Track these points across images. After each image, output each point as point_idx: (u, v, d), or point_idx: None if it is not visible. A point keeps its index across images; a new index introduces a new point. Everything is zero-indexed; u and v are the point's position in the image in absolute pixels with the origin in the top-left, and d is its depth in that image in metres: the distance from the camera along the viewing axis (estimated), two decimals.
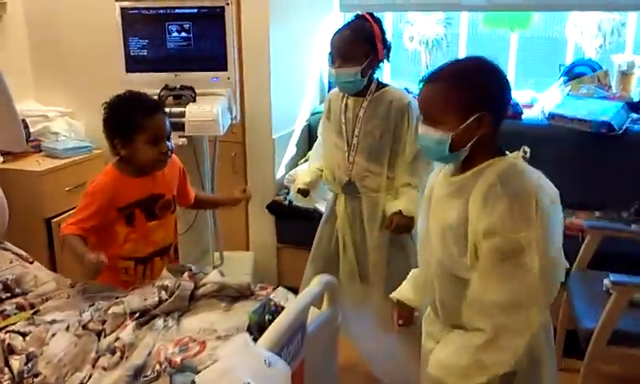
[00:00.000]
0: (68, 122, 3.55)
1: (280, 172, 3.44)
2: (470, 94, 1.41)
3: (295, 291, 2.62)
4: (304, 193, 2.51)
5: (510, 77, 3.68)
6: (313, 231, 2.61)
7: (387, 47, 2.26)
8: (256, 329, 1.55)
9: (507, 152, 1.49)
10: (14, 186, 3.09)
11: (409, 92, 3.46)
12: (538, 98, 3.51)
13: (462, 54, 3.75)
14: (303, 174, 2.61)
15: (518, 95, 3.53)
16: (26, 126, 3.30)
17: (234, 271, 3.22)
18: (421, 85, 1.49)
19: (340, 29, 2.26)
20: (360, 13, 2.27)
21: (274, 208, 3.34)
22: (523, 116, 3.36)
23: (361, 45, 2.19)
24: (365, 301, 2.44)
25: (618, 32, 3.51)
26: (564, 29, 3.63)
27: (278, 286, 1.84)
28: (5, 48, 3.45)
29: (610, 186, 3.09)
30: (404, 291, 1.78)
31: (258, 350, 1.27)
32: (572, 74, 3.46)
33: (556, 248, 1.41)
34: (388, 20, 3.86)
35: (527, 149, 1.47)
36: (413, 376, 1.85)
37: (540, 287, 1.38)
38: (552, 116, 3.20)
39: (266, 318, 1.58)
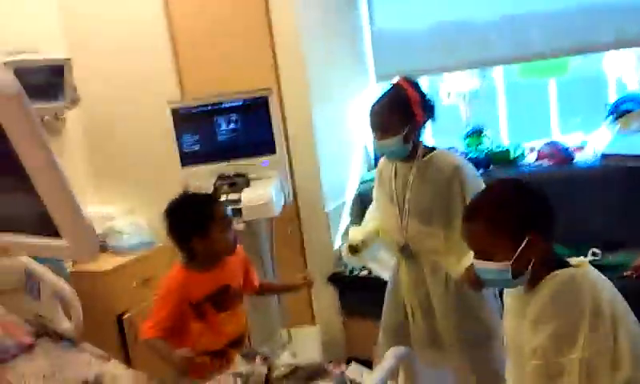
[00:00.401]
0: (130, 220, 3.69)
1: (337, 243, 3.47)
2: (514, 220, 1.43)
3: (364, 363, 2.64)
4: (355, 249, 2.52)
5: (554, 123, 3.69)
6: (377, 299, 2.61)
7: (429, 107, 2.27)
8: None
9: (570, 262, 1.49)
10: (84, 286, 3.21)
11: (455, 150, 3.51)
12: (588, 141, 3.47)
13: (501, 105, 3.78)
14: (356, 231, 2.62)
15: (567, 139, 3.51)
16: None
17: (303, 347, 3.24)
18: (464, 219, 1.51)
19: (376, 101, 2.29)
20: (396, 80, 2.28)
21: (336, 279, 3.37)
22: (575, 159, 3.33)
23: (397, 114, 2.20)
24: (440, 364, 2.40)
25: None
26: (601, 66, 3.60)
27: (350, 362, 1.85)
28: (64, 155, 3.65)
29: None
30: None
31: None
32: (619, 112, 3.41)
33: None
34: (423, 80, 3.92)
35: (598, 251, 1.48)
36: None
37: None
38: (605, 156, 3.16)
39: None
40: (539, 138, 3.57)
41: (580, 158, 3.35)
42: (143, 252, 3.49)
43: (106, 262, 3.35)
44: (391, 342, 2.34)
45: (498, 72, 3.77)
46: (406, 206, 2.31)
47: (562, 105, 3.68)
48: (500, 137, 3.78)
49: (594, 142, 3.38)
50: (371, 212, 2.61)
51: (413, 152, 2.28)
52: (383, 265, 3.04)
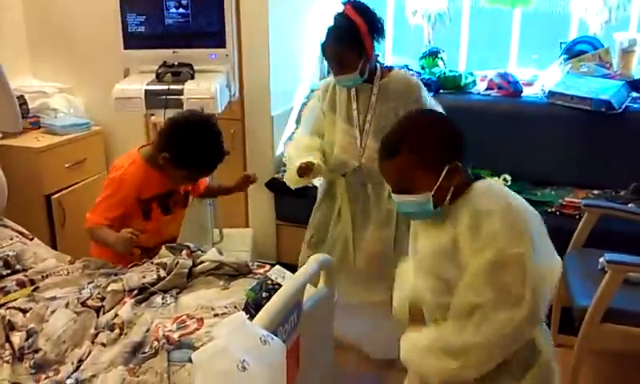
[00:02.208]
0: (67, 99, 3.53)
1: (279, 149, 3.44)
2: (433, 154, 1.43)
3: (293, 268, 2.67)
4: (306, 171, 2.43)
5: (513, 54, 3.69)
6: (312, 207, 2.64)
7: (379, 30, 2.26)
8: (253, 306, 1.57)
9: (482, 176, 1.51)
10: (13, 163, 3.10)
11: (409, 69, 3.48)
12: (539, 76, 3.49)
13: (464, 30, 3.74)
14: (301, 152, 2.52)
15: (519, 72, 3.52)
16: (24, 103, 3.29)
17: (234, 248, 3.26)
18: (381, 158, 1.48)
19: (327, 37, 2.27)
20: (344, 4, 2.24)
21: (274, 185, 3.35)
22: (523, 94, 3.35)
23: (349, 49, 2.22)
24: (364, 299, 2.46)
25: (624, 7, 3.44)
26: (568, 4, 3.59)
27: (275, 264, 1.86)
28: (1, 24, 3.42)
29: (609, 165, 3.10)
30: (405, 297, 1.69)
31: (254, 328, 1.29)
32: (573, 52, 3.44)
33: (543, 262, 1.39)
34: None
35: (508, 177, 1.49)
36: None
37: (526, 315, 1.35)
38: (552, 94, 3.20)
39: (263, 295, 1.59)
40: (496, 68, 3.56)
41: (528, 92, 3.37)
42: (78, 133, 3.37)
43: (38, 140, 3.22)
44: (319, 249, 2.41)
45: None
46: (366, 126, 2.34)
47: (523, 37, 3.66)
48: (458, 61, 3.76)
49: (544, 78, 3.40)
50: (305, 138, 2.51)
51: (371, 74, 2.31)
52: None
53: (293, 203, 3.29)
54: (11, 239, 2.23)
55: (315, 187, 3.01)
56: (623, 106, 3.05)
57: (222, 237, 3.26)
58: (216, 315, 1.59)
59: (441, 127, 1.49)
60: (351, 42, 2.21)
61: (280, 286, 1.64)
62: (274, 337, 1.30)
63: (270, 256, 3.45)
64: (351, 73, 2.23)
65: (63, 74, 3.59)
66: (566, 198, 2.93)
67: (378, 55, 2.33)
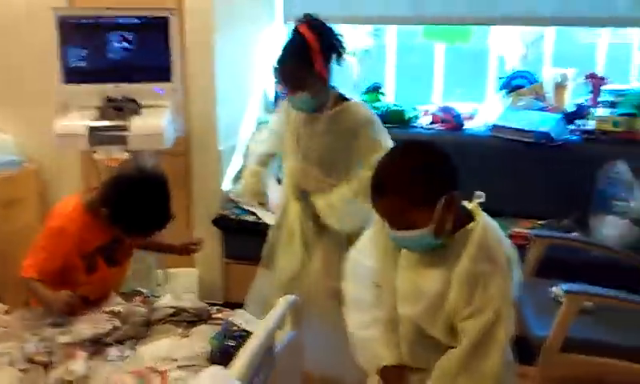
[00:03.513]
0: None
1: (226, 185, 3.35)
2: (427, 189, 1.39)
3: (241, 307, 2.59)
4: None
5: (438, 88, 3.77)
6: (262, 246, 2.56)
7: (335, 51, 2.18)
8: (218, 355, 1.48)
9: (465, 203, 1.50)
10: None
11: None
12: (479, 110, 3.58)
13: (390, 66, 3.79)
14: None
15: (460, 106, 3.60)
16: None
17: (179, 289, 3.12)
18: (374, 197, 1.45)
19: (281, 54, 2.18)
20: (298, 23, 2.16)
21: (221, 222, 3.26)
22: (465, 127, 3.42)
23: (300, 69, 2.12)
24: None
25: (538, 45, 3.60)
26: (486, 40, 3.70)
27: (234, 309, 1.77)
28: None
29: (550, 196, 3.18)
30: (381, 355, 1.63)
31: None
32: (511, 86, 3.55)
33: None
34: None
35: (482, 194, 1.50)
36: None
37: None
38: (495, 127, 3.28)
39: (230, 343, 1.51)
40: (423, 103, 3.65)
41: (470, 126, 3.45)
42: (8, 172, 3.17)
43: None
44: (285, 287, 2.32)
45: (391, 32, 3.78)
46: (309, 154, 2.28)
47: (448, 73, 3.76)
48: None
49: (485, 112, 3.50)
50: (266, 140, 2.53)
51: (323, 101, 2.22)
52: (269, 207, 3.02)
53: (242, 240, 3.20)
54: None
55: (266, 225, 2.96)
56: (562, 138, 3.16)
57: (166, 278, 3.12)
58: (179, 367, 1.49)
59: (426, 157, 1.43)
60: (300, 59, 2.11)
61: (246, 331, 1.56)
62: None
63: (217, 297, 3.32)
64: (302, 92, 2.14)
65: None
66: (514, 229, 2.99)
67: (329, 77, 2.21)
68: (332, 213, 2.24)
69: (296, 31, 2.14)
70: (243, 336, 1.51)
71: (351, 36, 3.72)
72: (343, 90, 2.30)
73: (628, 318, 2.26)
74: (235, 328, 1.57)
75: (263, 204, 2.82)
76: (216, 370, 1.26)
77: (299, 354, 1.74)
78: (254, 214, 3.21)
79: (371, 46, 3.77)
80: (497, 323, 1.38)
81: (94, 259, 1.99)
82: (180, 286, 3.17)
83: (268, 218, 3.12)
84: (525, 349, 2.36)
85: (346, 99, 2.27)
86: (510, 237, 2.93)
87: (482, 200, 1.50)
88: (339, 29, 2.24)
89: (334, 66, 2.20)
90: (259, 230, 2.96)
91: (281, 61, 2.17)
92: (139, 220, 1.93)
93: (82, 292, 1.94)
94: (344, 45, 2.19)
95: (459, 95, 3.77)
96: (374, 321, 1.64)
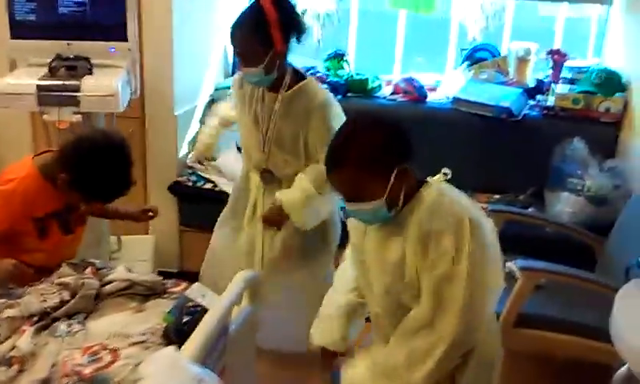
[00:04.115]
0: None
1: (183, 150, 3.26)
2: (381, 162, 1.41)
3: (196, 275, 2.54)
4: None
5: (398, 56, 3.73)
6: (217, 212, 2.54)
7: (295, 27, 2.09)
8: (173, 332, 1.44)
9: (428, 178, 1.52)
10: None
11: (316, 73, 3.41)
12: (442, 82, 3.56)
13: (352, 31, 3.73)
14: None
15: (423, 77, 3.57)
16: None
17: (133, 257, 3.04)
18: (328, 169, 1.46)
19: (235, 22, 2.07)
20: None
21: (177, 189, 3.17)
22: (428, 99, 3.40)
23: (256, 42, 2.02)
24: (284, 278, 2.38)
25: (499, 17, 3.61)
26: (449, 10, 3.67)
27: (191, 283, 1.71)
28: None
29: (508, 170, 3.22)
30: (328, 334, 1.71)
31: (189, 367, 1.16)
32: (473, 59, 3.54)
33: (491, 277, 1.45)
34: None
35: (448, 171, 1.50)
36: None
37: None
38: (456, 100, 3.27)
39: (184, 319, 1.46)
40: (385, 73, 3.61)
41: (433, 98, 3.43)
42: None
43: None
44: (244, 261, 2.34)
45: None
46: (269, 134, 2.21)
47: (408, 42, 3.73)
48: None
49: (447, 84, 3.48)
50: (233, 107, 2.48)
51: (280, 79, 2.14)
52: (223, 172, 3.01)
53: (198, 208, 3.14)
54: None
55: (223, 192, 2.90)
56: (522, 113, 3.17)
57: (120, 245, 3.02)
58: (133, 344, 1.43)
59: (383, 131, 1.44)
60: (256, 31, 2.01)
61: (201, 307, 1.51)
62: (210, 373, 1.18)
63: (172, 265, 3.27)
64: (255, 67, 2.04)
65: None
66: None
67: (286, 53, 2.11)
68: (295, 211, 2.18)
69: (255, 1, 2.04)
70: (199, 312, 1.46)
71: None
72: (304, 55, 2.22)
73: (580, 294, 2.31)
74: (191, 304, 1.52)
75: (211, 160, 2.70)
76: (167, 351, 1.22)
77: (254, 329, 1.71)
78: (211, 181, 3.14)
79: (334, 10, 3.68)
80: (453, 280, 1.39)
81: (46, 224, 1.91)
82: (135, 253, 3.08)
83: (225, 185, 3.06)
84: None
85: (303, 77, 2.19)
86: None
87: (448, 176, 1.50)
88: None
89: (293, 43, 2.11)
90: (216, 198, 2.91)
91: (237, 29, 2.06)
92: (101, 186, 1.87)
93: (34, 260, 1.88)
94: (304, 23, 2.12)
95: (419, 64, 3.74)
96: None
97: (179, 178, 3.19)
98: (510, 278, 2.34)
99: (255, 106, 2.23)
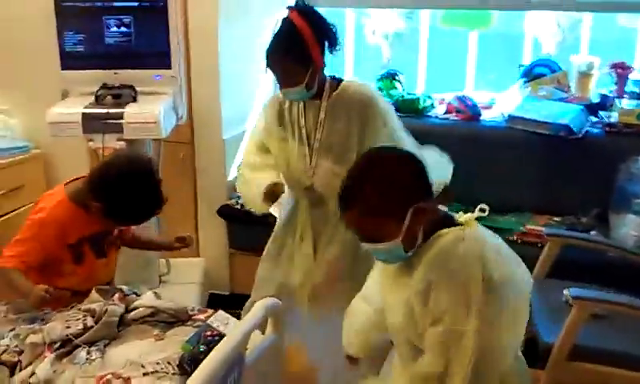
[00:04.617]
0: (3, 121, 3.30)
1: (231, 174, 3.27)
2: (390, 201, 1.34)
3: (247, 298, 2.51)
4: (273, 194, 2.29)
5: (470, 76, 3.62)
6: (266, 236, 2.48)
7: (330, 40, 2.06)
8: (188, 362, 1.40)
9: (455, 217, 1.43)
10: None
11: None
12: (497, 99, 3.42)
13: (423, 50, 3.64)
14: (258, 172, 2.37)
15: (477, 96, 3.45)
16: None
17: (183, 280, 3.07)
18: (340, 210, 1.41)
19: (271, 47, 2.06)
20: (289, 9, 2.05)
21: (226, 212, 3.19)
22: (482, 117, 3.27)
23: (297, 63, 2.01)
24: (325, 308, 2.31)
25: (575, 30, 3.44)
26: (522, 26, 3.54)
27: (217, 310, 1.69)
28: None
29: (569, 191, 3.03)
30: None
31: None
32: (531, 75, 3.38)
33: (506, 336, 1.34)
34: (349, 15, 3.72)
35: (485, 207, 1.41)
36: None
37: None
38: (511, 118, 3.12)
39: (201, 349, 1.43)
40: (453, 90, 3.48)
41: (487, 116, 3.29)
42: (14, 157, 3.14)
43: None
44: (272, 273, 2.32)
45: (424, 16, 3.63)
46: (316, 145, 2.17)
47: (480, 59, 3.61)
48: (416, 83, 3.68)
49: (503, 102, 3.34)
50: (257, 161, 2.37)
51: (320, 89, 2.13)
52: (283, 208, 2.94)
53: (247, 231, 3.13)
54: None
55: (271, 215, 2.87)
56: (583, 131, 2.99)
57: (169, 268, 3.06)
58: (145, 374, 1.41)
59: (394, 169, 1.37)
60: (294, 51, 2.00)
61: (221, 336, 1.48)
62: None
63: (223, 287, 3.29)
64: (297, 86, 2.04)
65: (1, 95, 3.35)
66: (527, 226, 2.85)
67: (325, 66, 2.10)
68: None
69: (286, 20, 2.02)
70: (217, 341, 1.43)
71: (382, 18, 3.62)
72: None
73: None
74: (209, 332, 1.48)
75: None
76: None
77: (277, 362, 1.65)
78: None
79: (403, 29, 3.62)
80: (459, 340, 1.29)
81: (80, 250, 1.94)
82: (184, 276, 3.11)
83: (272, 208, 3.04)
84: (534, 350, 2.26)
85: (340, 80, 2.18)
86: (523, 234, 2.83)
87: (485, 214, 1.40)
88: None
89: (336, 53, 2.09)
90: (264, 221, 2.89)
91: (270, 52, 2.05)
92: (133, 210, 1.90)
93: (70, 284, 1.91)
94: (337, 33, 2.08)
95: (492, 82, 3.61)
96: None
97: (228, 202, 3.20)
98: (567, 306, 2.19)
99: (298, 120, 2.20)
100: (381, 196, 1.32)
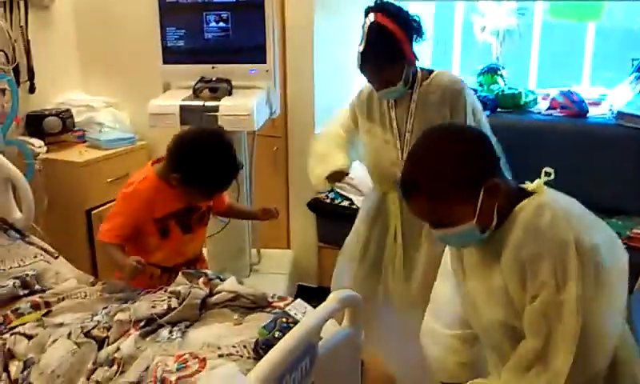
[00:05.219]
0: (113, 113, 3.52)
1: None
2: (462, 182, 1.26)
3: None
4: (339, 176, 2.36)
5: (586, 72, 3.42)
6: None
7: (416, 31, 2.08)
8: (263, 347, 1.42)
9: (526, 182, 1.34)
10: (56, 176, 3.11)
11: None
12: (608, 95, 3.21)
13: (534, 47, 3.50)
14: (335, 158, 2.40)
15: (586, 91, 3.25)
16: (70, 116, 3.30)
17: (272, 270, 3.13)
18: (404, 197, 1.34)
19: (365, 53, 2.06)
20: (370, 11, 2.06)
21: (316, 206, 3.21)
22: (589, 114, 3.08)
23: (394, 64, 2.06)
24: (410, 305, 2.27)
25: None
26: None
27: (296, 298, 1.70)
28: (52, 37, 3.44)
29: None
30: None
31: None
32: None
33: (607, 309, 1.25)
34: (458, 10, 3.65)
35: (551, 170, 1.31)
36: None
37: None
38: (620, 115, 2.92)
39: (276, 335, 1.45)
40: (567, 87, 3.29)
41: (595, 113, 3.10)
42: (122, 148, 3.34)
43: (81, 154, 3.22)
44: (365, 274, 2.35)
45: (538, 10, 3.48)
46: (407, 136, 2.18)
47: (597, 54, 3.41)
48: (528, 79, 3.55)
49: (613, 98, 3.13)
50: (341, 135, 2.41)
51: (412, 81, 2.15)
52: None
53: (335, 225, 3.13)
54: (35, 257, 2.16)
55: (359, 209, 2.86)
56: None
57: (259, 258, 3.14)
58: (220, 356, 1.44)
59: (458, 146, 1.29)
60: (390, 54, 2.05)
61: (296, 324, 1.48)
62: None
63: (311, 280, 3.32)
64: (394, 86, 2.09)
65: (111, 89, 3.58)
66: (635, 230, 2.66)
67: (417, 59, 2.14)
68: None
69: (375, 25, 2.03)
70: (292, 328, 1.43)
71: (493, 14, 3.52)
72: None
73: None
74: (285, 319, 1.50)
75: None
76: (226, 368, 1.20)
77: (354, 356, 1.63)
78: (348, 199, 3.13)
79: (515, 25, 3.50)
80: (560, 310, 1.21)
81: (166, 225, 2.03)
82: (274, 266, 3.18)
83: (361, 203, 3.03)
84: None
85: (431, 71, 2.19)
86: (629, 238, 2.63)
87: (551, 178, 1.32)
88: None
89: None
90: (352, 215, 2.88)
91: (367, 61, 2.07)
92: (210, 175, 1.94)
93: (156, 258, 2.00)
94: (420, 22, 2.09)
95: (606, 79, 3.39)
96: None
97: (318, 195, 3.22)
98: None
99: (389, 111, 2.21)
100: (443, 180, 1.26)
